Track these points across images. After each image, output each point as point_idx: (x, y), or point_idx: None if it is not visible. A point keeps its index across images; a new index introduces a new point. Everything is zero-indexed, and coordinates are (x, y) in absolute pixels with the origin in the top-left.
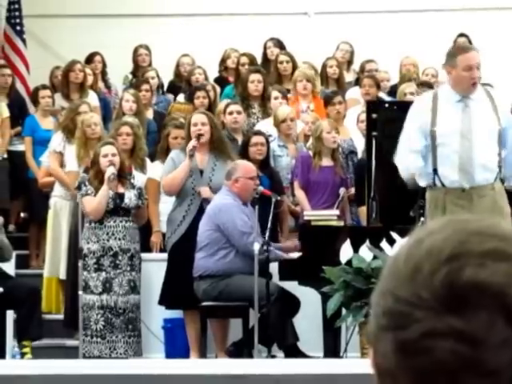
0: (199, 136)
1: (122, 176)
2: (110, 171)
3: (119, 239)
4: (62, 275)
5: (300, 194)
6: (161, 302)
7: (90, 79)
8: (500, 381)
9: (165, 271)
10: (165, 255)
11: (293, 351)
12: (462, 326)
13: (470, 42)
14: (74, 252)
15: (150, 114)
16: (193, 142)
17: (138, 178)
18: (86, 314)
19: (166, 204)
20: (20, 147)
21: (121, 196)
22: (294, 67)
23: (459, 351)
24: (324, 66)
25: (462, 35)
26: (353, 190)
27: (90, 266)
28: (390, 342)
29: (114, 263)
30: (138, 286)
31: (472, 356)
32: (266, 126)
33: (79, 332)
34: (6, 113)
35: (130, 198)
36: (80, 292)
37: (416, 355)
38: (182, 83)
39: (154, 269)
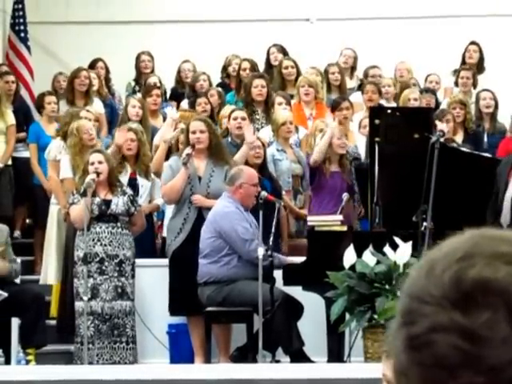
0: (194, 144)
1: (111, 183)
2: (89, 178)
3: (105, 245)
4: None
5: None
6: (169, 309)
7: (95, 83)
8: (498, 379)
9: (168, 279)
10: (162, 261)
11: (299, 356)
12: (465, 322)
13: (480, 50)
14: (71, 258)
15: (159, 120)
16: (187, 150)
17: (143, 184)
18: (76, 322)
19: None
20: (25, 153)
21: (108, 202)
22: (298, 73)
23: (459, 346)
24: (326, 72)
25: (473, 43)
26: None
27: (80, 273)
28: (402, 339)
29: (100, 269)
30: (128, 293)
31: (472, 352)
32: (268, 132)
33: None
34: (12, 120)
35: (116, 204)
36: (85, 298)
37: (421, 349)
38: (184, 89)
39: (153, 275)
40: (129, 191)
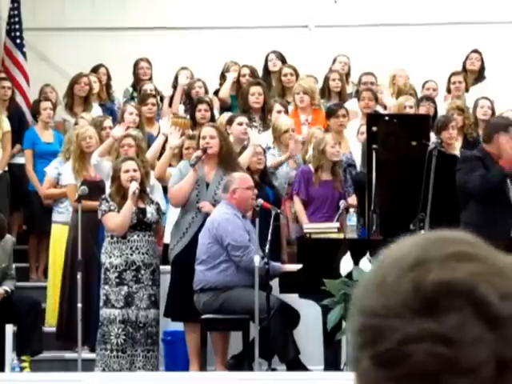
0: (206, 149)
1: (142, 191)
2: (134, 186)
3: (143, 254)
4: None
5: (299, 208)
6: (166, 314)
7: (96, 86)
8: (479, 378)
9: (169, 283)
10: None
11: (295, 364)
12: (435, 328)
13: (481, 58)
14: (72, 264)
15: (155, 128)
16: (197, 153)
17: None
18: (106, 329)
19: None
20: (20, 160)
21: (143, 211)
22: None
23: (437, 352)
24: (327, 79)
25: (475, 51)
26: (354, 199)
27: (112, 280)
28: (368, 359)
29: (136, 277)
30: (158, 301)
31: (449, 356)
32: (266, 138)
33: (97, 346)
34: (8, 127)
35: (151, 212)
36: (100, 305)
37: (394, 365)
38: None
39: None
40: (154, 199)
